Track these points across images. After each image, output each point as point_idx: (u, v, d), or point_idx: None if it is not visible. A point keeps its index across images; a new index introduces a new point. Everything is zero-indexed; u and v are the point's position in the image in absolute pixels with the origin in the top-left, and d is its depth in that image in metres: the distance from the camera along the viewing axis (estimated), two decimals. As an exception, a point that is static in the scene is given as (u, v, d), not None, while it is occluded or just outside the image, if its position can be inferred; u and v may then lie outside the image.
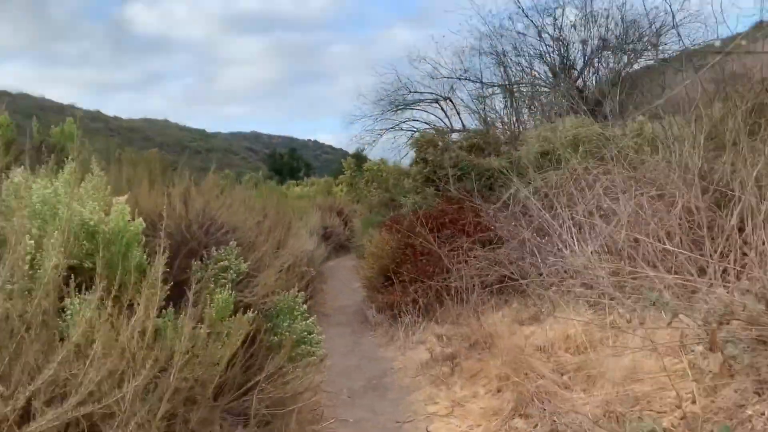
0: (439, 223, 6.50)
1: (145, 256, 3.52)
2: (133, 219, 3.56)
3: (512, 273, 5.25)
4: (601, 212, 4.28)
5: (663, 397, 3.09)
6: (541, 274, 4.76)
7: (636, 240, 3.71)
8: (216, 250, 4.03)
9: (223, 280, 3.92)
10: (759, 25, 11.30)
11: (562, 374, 3.71)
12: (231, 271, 3.94)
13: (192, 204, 4.49)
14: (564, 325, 4.21)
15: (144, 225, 3.59)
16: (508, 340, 4.36)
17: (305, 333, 3.97)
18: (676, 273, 3.34)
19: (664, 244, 3.39)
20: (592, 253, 3.88)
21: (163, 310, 3.35)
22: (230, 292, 3.58)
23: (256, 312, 3.83)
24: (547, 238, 5.02)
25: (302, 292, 4.15)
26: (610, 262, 3.86)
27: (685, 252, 3.21)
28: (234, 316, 3.65)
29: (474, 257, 5.82)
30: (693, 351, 3.36)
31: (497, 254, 5.61)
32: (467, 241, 5.92)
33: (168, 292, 3.53)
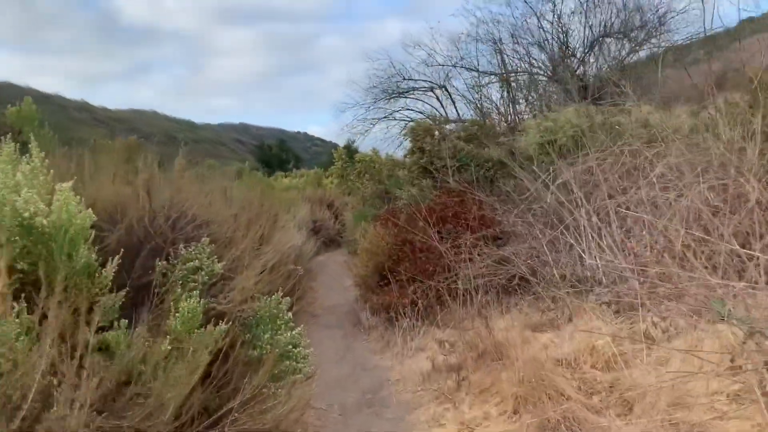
0: (440, 217, 5.94)
1: (95, 256, 2.93)
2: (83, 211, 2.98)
3: (523, 273, 4.72)
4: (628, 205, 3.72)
5: (722, 429, 2.56)
6: (561, 276, 4.23)
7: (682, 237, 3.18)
8: (185, 248, 3.45)
9: (193, 284, 3.35)
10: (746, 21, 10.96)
11: (591, 395, 3.18)
12: (202, 273, 3.36)
13: (157, 193, 3.90)
14: (587, 335, 3.68)
15: (95, 217, 3.00)
16: (522, 351, 3.82)
17: (290, 346, 3.40)
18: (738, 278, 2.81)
19: (732, 245, 2.86)
20: (636, 254, 3.34)
21: (115, 323, 2.78)
22: (198, 298, 3.01)
23: (231, 322, 3.26)
24: (563, 235, 4.48)
25: (287, 298, 3.58)
26: (657, 264, 3.32)
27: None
28: (204, 327, 3.09)
29: (479, 255, 5.27)
30: (749, 370, 2.85)
31: (505, 251, 5.07)
32: (471, 237, 5.37)
33: (122, 300, 2.97)
